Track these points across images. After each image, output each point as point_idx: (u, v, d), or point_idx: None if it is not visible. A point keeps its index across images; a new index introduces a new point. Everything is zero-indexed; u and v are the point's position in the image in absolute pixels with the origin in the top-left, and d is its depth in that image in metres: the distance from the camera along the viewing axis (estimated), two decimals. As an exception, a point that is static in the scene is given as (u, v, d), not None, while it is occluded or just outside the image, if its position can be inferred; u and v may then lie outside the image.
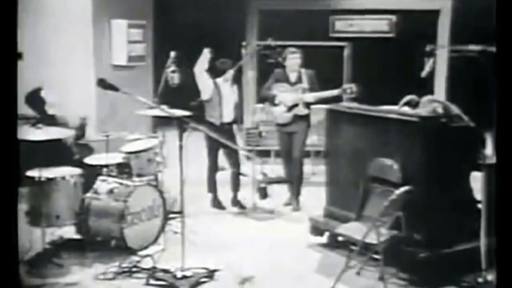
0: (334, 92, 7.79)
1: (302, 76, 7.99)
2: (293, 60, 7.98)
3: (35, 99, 7.04)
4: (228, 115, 7.91)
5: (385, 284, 5.48)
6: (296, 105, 7.94)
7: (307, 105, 7.97)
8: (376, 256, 5.68)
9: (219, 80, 7.87)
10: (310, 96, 7.89)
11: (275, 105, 8.05)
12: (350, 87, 7.71)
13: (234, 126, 8.13)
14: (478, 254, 5.41)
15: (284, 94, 7.97)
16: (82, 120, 7.28)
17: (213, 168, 8.03)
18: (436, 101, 6.34)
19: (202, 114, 7.86)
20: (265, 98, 8.33)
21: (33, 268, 5.88)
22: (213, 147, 7.87)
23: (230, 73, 7.90)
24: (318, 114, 8.40)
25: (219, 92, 7.85)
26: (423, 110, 6.14)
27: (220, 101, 7.84)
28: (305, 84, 7.94)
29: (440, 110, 6.07)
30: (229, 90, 7.95)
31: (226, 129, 7.82)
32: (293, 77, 8.01)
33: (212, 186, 8.09)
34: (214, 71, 7.88)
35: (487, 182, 5.40)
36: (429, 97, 6.51)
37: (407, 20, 11.29)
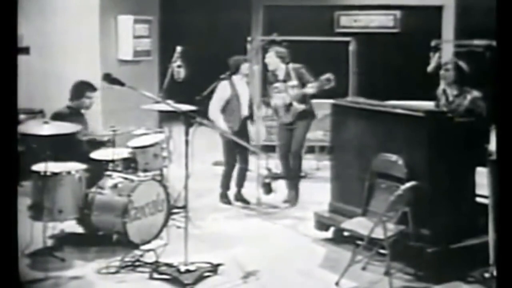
0: (314, 85, 7.63)
1: (290, 72, 7.93)
2: (268, 59, 8.02)
3: (79, 91, 7.03)
4: (244, 112, 7.91)
5: (390, 279, 5.47)
6: (290, 104, 7.92)
7: (302, 100, 7.88)
8: (382, 251, 5.66)
9: (234, 78, 7.84)
10: (303, 92, 7.79)
11: (274, 109, 8.10)
12: (326, 78, 7.53)
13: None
14: (485, 249, 5.40)
15: (278, 96, 7.96)
16: None
17: (231, 165, 8.00)
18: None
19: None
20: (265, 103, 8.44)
21: (34, 262, 5.88)
22: (230, 145, 7.83)
23: (246, 67, 7.88)
24: (323, 109, 8.37)
25: (236, 90, 7.84)
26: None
27: (238, 99, 7.84)
28: (293, 81, 7.89)
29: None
30: (244, 86, 7.95)
31: (241, 126, 7.83)
32: (281, 74, 7.96)
33: (227, 182, 8.06)
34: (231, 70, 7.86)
35: (493, 177, 5.39)
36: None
37: (412, 15, 11.29)
